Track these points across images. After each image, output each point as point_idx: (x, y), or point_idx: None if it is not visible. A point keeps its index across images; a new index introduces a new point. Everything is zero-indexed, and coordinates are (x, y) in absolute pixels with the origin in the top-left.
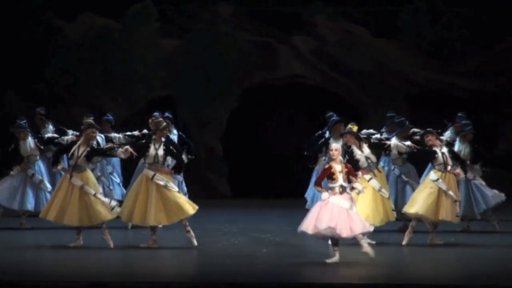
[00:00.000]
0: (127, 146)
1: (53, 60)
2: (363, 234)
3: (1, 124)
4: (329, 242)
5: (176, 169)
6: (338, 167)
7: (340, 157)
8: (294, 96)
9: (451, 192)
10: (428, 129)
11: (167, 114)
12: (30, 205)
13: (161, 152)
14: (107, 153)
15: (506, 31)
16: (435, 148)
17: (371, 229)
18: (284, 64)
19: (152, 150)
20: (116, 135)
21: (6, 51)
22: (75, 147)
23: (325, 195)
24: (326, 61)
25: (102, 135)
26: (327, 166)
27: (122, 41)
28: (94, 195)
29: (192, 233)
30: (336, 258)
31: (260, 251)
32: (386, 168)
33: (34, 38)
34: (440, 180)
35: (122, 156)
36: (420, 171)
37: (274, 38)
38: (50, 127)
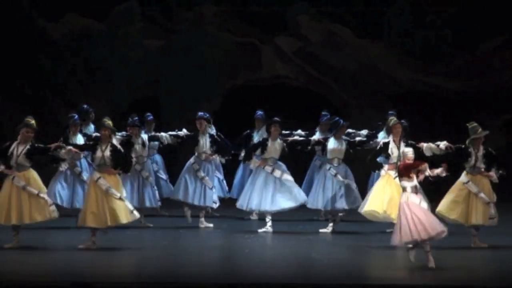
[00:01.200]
0: (70, 147)
1: (36, 60)
2: None
3: None
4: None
5: (124, 170)
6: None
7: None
8: (278, 97)
9: (482, 194)
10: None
11: (202, 113)
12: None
13: (107, 153)
14: (48, 152)
15: (490, 31)
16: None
17: None
18: (267, 65)
19: (99, 152)
20: (163, 134)
21: None
22: (13, 146)
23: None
24: (310, 62)
25: (147, 134)
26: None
27: (106, 42)
28: (37, 194)
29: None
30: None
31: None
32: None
33: (18, 38)
34: (470, 183)
35: (65, 156)
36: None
37: (257, 38)
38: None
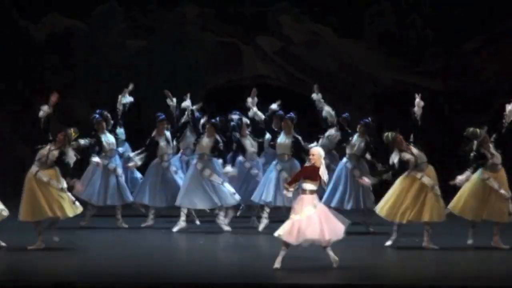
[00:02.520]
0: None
1: (18, 61)
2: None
3: None
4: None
5: (65, 173)
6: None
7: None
8: (260, 97)
9: (503, 190)
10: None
11: (290, 114)
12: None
13: (52, 156)
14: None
15: (469, 32)
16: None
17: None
18: (249, 65)
19: (45, 150)
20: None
21: None
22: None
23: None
24: (292, 62)
25: (169, 131)
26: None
27: (87, 42)
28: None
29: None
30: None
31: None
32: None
33: (1, 38)
34: (491, 179)
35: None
36: None
37: (239, 38)
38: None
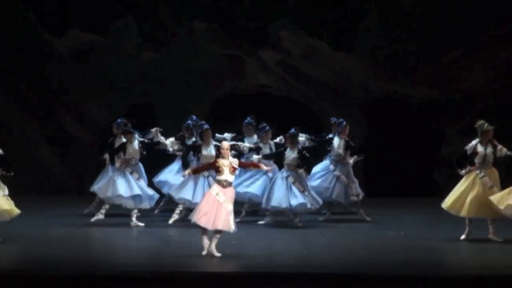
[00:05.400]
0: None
1: (44, 71)
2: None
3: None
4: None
5: (6, 171)
6: (225, 162)
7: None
8: (261, 104)
9: (495, 189)
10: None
11: (337, 118)
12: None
13: None
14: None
15: (451, 44)
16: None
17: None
18: (252, 75)
19: None
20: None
21: (0, 63)
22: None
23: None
24: (290, 73)
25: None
26: (213, 161)
27: (105, 54)
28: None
29: None
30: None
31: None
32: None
33: (27, 51)
34: (486, 177)
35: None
36: None
37: (243, 51)
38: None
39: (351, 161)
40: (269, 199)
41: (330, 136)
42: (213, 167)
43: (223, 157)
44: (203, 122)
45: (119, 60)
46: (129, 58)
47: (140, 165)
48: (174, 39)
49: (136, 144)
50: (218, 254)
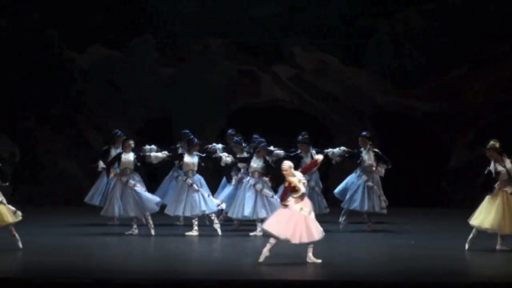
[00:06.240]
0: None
1: (66, 85)
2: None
3: (24, 142)
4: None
5: (2, 181)
6: (295, 179)
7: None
8: (275, 117)
9: None
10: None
11: (366, 131)
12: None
13: None
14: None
15: (457, 59)
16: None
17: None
18: (266, 89)
19: None
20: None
21: (25, 79)
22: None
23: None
24: (303, 87)
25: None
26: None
27: (125, 69)
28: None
29: (17, 237)
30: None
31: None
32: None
33: (49, 66)
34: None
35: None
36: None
37: (257, 66)
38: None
39: (381, 169)
40: (237, 208)
41: (357, 150)
42: (292, 190)
43: (291, 176)
44: (193, 137)
45: (137, 75)
46: (147, 73)
47: (136, 174)
48: (190, 55)
49: (131, 155)
50: (318, 260)
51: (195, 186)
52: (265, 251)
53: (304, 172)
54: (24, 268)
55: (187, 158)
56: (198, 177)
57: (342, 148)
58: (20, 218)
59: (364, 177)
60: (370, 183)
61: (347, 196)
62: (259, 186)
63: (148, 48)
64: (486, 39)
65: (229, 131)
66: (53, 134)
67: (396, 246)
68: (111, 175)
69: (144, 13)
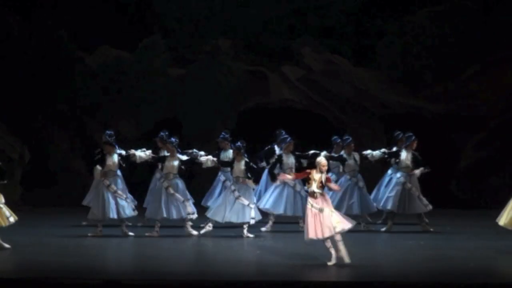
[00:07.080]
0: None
1: (75, 85)
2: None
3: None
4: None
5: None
6: (317, 176)
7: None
8: (284, 118)
9: None
10: None
11: (404, 133)
12: (112, 213)
13: None
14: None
15: (466, 61)
16: None
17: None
18: (275, 90)
19: None
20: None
21: (34, 79)
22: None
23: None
24: (312, 87)
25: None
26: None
27: (134, 70)
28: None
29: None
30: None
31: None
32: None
33: (60, 66)
34: None
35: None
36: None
37: (266, 67)
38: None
39: (417, 172)
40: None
41: (396, 149)
42: (305, 176)
43: (319, 172)
44: (173, 139)
45: (146, 75)
46: (156, 74)
47: (119, 177)
48: (200, 55)
49: (115, 157)
50: (347, 261)
51: (170, 189)
52: (333, 253)
53: (296, 178)
54: (36, 269)
55: (168, 161)
56: (176, 181)
57: (382, 150)
58: (12, 222)
59: (402, 179)
60: (408, 185)
61: (384, 197)
62: (236, 194)
63: (157, 48)
64: (496, 40)
65: (223, 134)
66: (62, 135)
67: (409, 247)
68: (97, 176)
69: (153, 14)
